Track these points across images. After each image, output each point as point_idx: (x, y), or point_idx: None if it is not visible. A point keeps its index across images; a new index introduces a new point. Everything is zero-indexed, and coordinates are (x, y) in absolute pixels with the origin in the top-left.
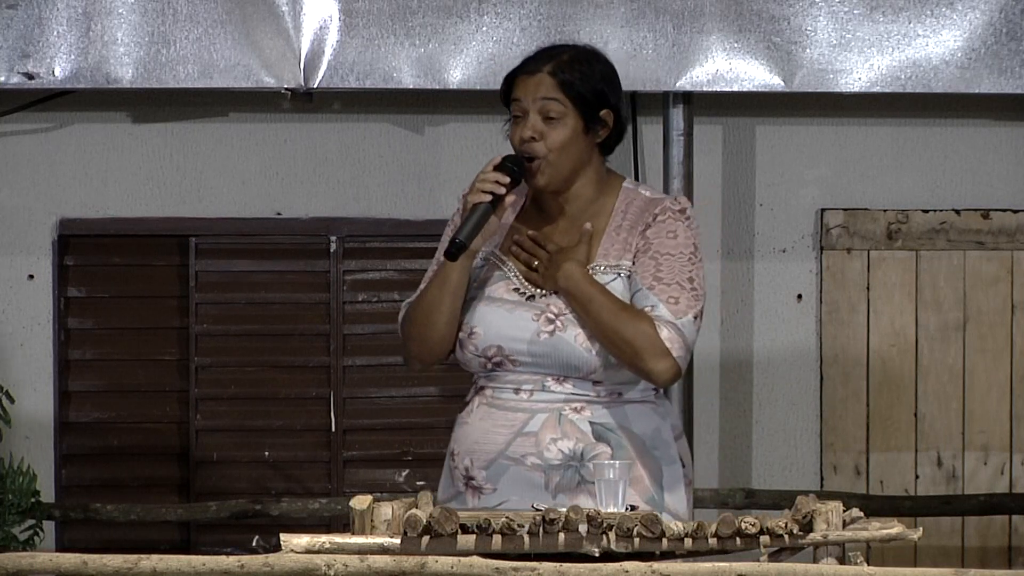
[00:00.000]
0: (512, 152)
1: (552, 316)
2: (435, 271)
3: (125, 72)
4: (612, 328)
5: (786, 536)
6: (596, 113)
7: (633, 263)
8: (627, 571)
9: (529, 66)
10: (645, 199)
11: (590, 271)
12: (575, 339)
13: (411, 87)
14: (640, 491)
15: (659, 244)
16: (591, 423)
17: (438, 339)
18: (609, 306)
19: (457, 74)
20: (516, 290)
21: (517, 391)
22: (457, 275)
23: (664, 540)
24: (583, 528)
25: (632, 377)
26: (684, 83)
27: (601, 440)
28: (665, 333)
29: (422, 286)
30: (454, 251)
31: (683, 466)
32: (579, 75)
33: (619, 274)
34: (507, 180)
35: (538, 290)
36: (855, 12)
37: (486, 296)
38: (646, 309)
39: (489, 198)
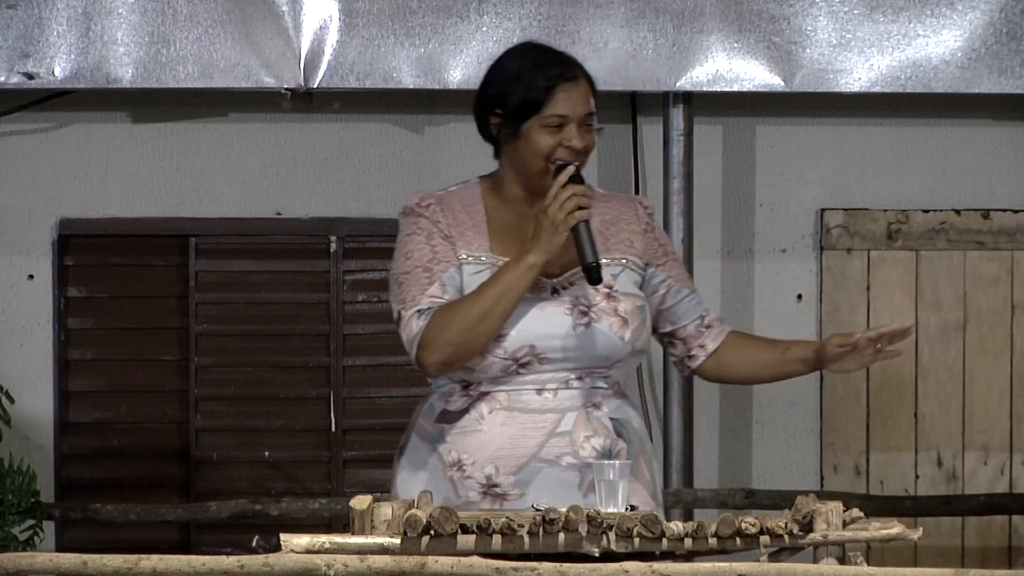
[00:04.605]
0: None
1: (585, 308)
2: (489, 280)
3: (125, 72)
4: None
5: (786, 536)
6: None
7: (648, 261)
8: (627, 571)
9: (568, 72)
10: (608, 195)
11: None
12: (610, 328)
13: (411, 87)
14: (646, 486)
15: (669, 246)
16: (611, 419)
17: (482, 346)
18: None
19: (457, 74)
20: (535, 286)
21: (540, 391)
22: (527, 284)
23: (664, 540)
24: (583, 528)
25: (630, 369)
26: (684, 83)
27: (620, 436)
28: (721, 327)
29: (431, 294)
30: (597, 275)
31: None
32: None
33: (624, 267)
34: (587, 191)
35: (556, 280)
36: (855, 12)
37: None
38: (704, 316)
39: (588, 215)
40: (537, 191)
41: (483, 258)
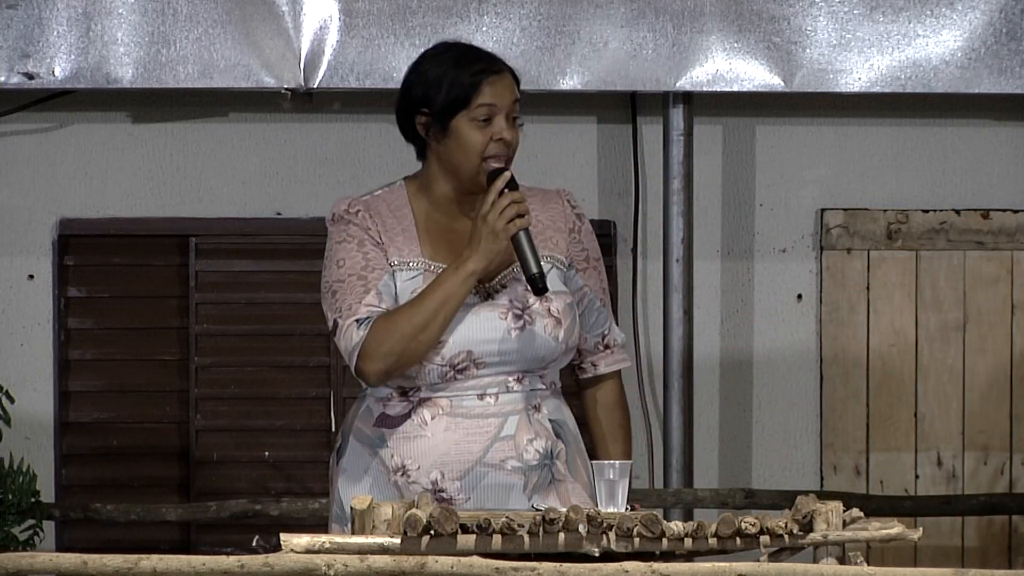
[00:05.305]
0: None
1: (519, 311)
2: (429, 288)
3: (125, 72)
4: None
5: (786, 536)
6: None
7: (571, 262)
8: (627, 571)
9: (494, 65)
10: (534, 190)
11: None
12: (545, 329)
13: None
14: (584, 486)
15: (593, 250)
16: (550, 420)
17: (423, 354)
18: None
19: None
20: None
21: (482, 396)
22: (467, 292)
23: (664, 540)
24: (583, 528)
25: (562, 366)
26: (684, 83)
27: (559, 437)
28: (621, 355)
29: (368, 303)
30: (542, 285)
31: None
32: None
33: (552, 264)
34: (524, 197)
35: (490, 283)
36: (855, 12)
37: None
38: (604, 332)
39: (528, 222)
40: (468, 190)
41: (415, 263)
